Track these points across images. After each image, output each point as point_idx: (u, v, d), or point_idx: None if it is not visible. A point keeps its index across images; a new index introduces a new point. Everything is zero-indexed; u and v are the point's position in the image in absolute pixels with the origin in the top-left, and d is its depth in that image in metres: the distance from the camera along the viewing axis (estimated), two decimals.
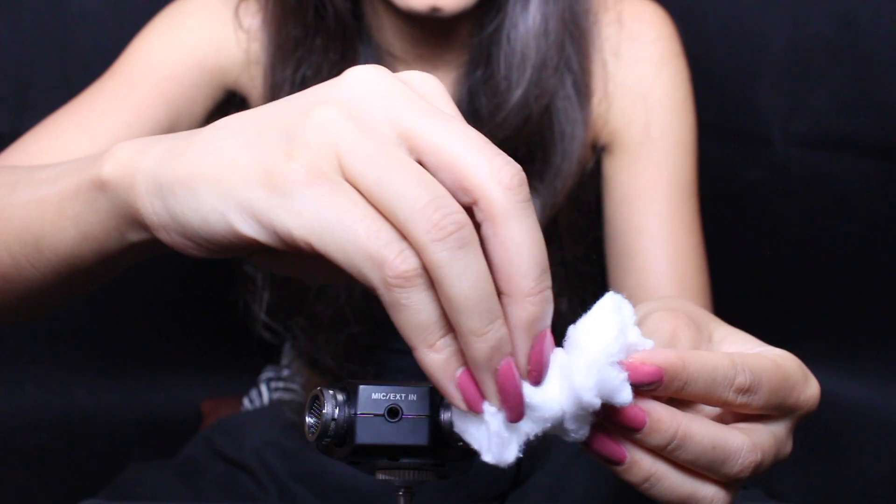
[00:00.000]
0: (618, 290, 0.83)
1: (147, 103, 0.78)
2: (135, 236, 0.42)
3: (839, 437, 1.17)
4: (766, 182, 1.13)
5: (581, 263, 0.88)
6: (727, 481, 0.42)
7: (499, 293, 0.35)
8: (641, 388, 0.38)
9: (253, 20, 0.82)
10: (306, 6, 0.78)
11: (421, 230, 0.33)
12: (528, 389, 0.36)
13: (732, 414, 0.43)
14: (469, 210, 0.35)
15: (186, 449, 0.91)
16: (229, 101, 0.84)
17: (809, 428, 1.26)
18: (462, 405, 0.36)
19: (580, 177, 0.84)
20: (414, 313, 0.34)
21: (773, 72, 1.09)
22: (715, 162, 1.07)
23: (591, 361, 0.36)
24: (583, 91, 0.82)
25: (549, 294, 0.35)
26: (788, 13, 1.07)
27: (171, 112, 0.79)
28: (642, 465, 0.40)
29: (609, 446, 0.39)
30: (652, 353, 0.39)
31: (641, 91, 0.83)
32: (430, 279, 0.34)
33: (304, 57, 0.80)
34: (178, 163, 0.38)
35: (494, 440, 0.36)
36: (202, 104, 0.81)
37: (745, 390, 0.40)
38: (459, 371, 0.35)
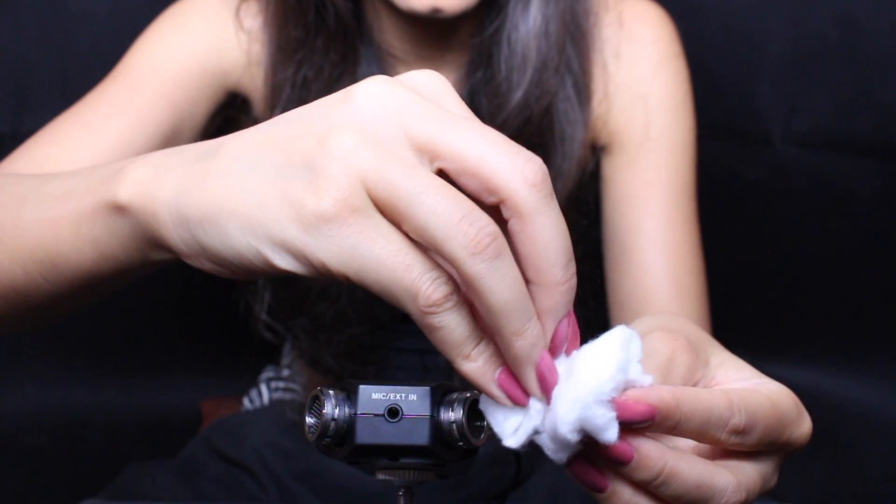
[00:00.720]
0: (615, 290, 0.84)
1: (150, 107, 0.78)
2: (158, 256, 0.43)
3: (839, 437, 1.16)
4: (766, 182, 1.13)
5: (581, 264, 0.87)
6: None
7: (526, 281, 0.36)
8: (632, 426, 0.38)
9: (254, 21, 0.82)
10: (307, 7, 0.79)
11: (458, 246, 0.34)
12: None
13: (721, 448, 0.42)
14: (495, 206, 0.36)
15: (186, 449, 0.91)
16: (230, 103, 0.84)
17: None
18: (507, 402, 0.37)
19: (580, 177, 0.84)
20: (448, 332, 0.35)
21: (773, 72, 1.09)
22: (715, 162, 1.07)
23: (577, 397, 0.36)
24: (583, 92, 0.82)
25: (574, 281, 0.37)
26: (788, 13, 1.07)
27: (174, 115, 0.79)
28: (622, 496, 0.39)
29: (591, 474, 0.39)
30: (647, 391, 0.38)
31: (641, 92, 0.83)
32: (462, 296, 0.35)
33: (305, 58, 0.80)
34: (200, 196, 0.38)
35: (547, 427, 0.37)
36: (204, 106, 0.82)
37: (739, 431, 0.40)
38: (498, 372, 0.37)
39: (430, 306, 0.35)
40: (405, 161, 0.35)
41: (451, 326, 0.35)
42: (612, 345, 0.38)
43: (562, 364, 0.37)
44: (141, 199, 0.40)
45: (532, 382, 0.37)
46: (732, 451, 0.42)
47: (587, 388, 0.37)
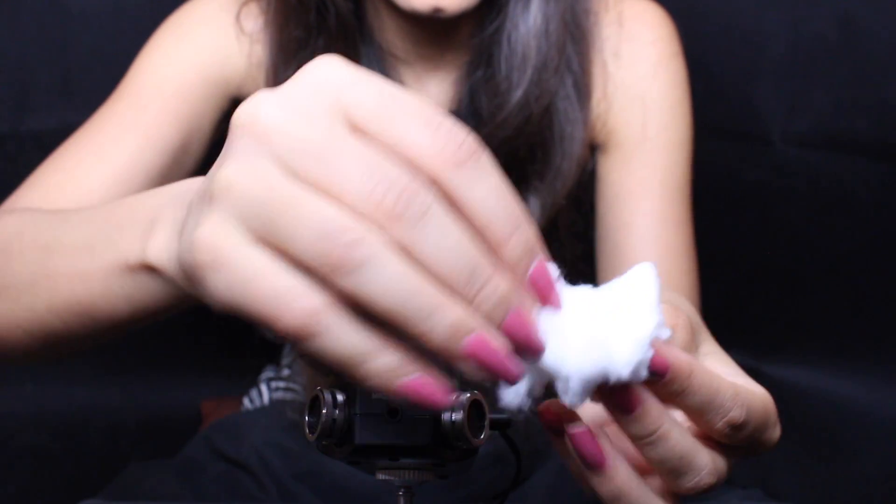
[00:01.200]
0: None
1: (158, 124, 0.78)
2: (196, 301, 0.43)
3: (839, 437, 1.16)
4: (766, 182, 1.13)
5: (581, 262, 0.88)
6: (676, 493, 0.42)
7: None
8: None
9: (255, 23, 0.82)
10: (308, 7, 0.79)
11: (380, 216, 0.32)
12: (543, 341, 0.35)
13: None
14: None
15: (186, 449, 0.91)
16: (234, 108, 0.84)
17: (809, 428, 1.27)
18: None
19: (580, 177, 0.84)
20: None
21: (773, 72, 1.09)
22: (715, 162, 1.07)
23: (641, 337, 0.35)
24: (583, 91, 0.82)
25: (523, 230, 0.34)
26: (788, 13, 1.07)
27: (182, 130, 0.79)
28: (619, 474, 0.40)
29: (594, 447, 0.39)
30: (670, 347, 0.38)
31: (639, 91, 0.83)
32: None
33: (306, 58, 0.80)
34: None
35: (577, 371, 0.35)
36: (210, 117, 0.82)
37: (734, 426, 0.40)
38: (413, 376, 0.33)
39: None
40: (330, 128, 0.34)
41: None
42: (649, 280, 0.37)
43: (552, 314, 0.35)
44: (172, 264, 0.40)
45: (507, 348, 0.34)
46: (712, 438, 0.42)
47: (647, 326, 0.36)
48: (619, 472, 0.40)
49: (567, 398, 0.36)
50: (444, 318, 0.32)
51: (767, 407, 0.42)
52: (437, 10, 0.73)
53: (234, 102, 0.84)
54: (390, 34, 0.82)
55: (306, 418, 0.40)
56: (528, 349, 0.34)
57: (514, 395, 0.36)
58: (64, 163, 0.77)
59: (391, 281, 0.32)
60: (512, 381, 0.34)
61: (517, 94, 0.79)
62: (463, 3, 0.73)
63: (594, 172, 0.87)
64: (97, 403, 1.19)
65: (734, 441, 0.41)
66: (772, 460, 1.09)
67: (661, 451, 0.39)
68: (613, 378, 0.36)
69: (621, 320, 0.36)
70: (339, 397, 0.40)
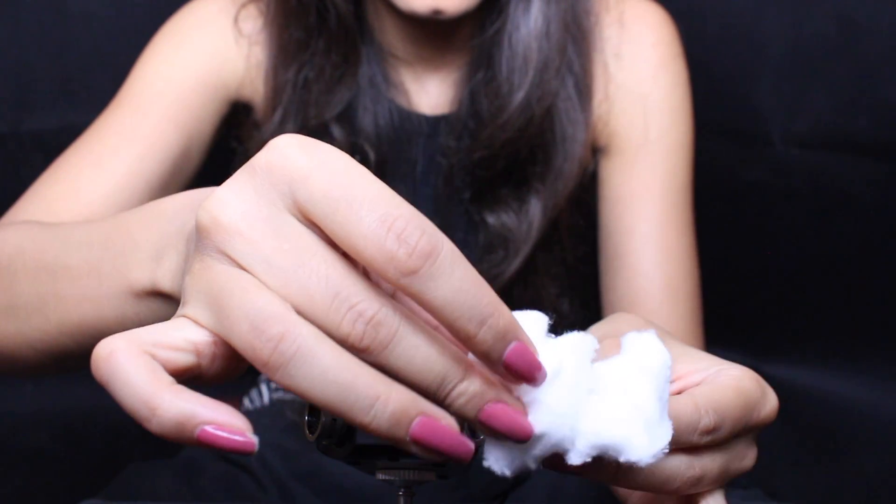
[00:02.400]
0: (608, 291, 0.84)
1: (159, 132, 0.78)
2: None
3: (839, 437, 1.16)
4: (766, 182, 1.13)
5: (582, 265, 0.88)
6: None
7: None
8: None
9: (254, 24, 0.82)
10: (308, 8, 0.78)
11: (341, 329, 0.32)
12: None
13: None
14: None
15: (186, 449, 0.91)
16: (235, 111, 0.84)
17: (809, 428, 1.27)
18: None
19: (581, 178, 0.84)
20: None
21: (773, 72, 1.09)
22: (715, 162, 1.07)
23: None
24: (584, 92, 0.82)
25: (494, 317, 0.33)
26: (788, 13, 1.07)
27: (182, 136, 0.79)
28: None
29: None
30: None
31: (641, 93, 0.83)
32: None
33: (306, 59, 0.80)
34: None
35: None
36: (210, 122, 0.82)
37: (710, 431, 0.41)
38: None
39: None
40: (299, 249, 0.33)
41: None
42: (653, 356, 0.39)
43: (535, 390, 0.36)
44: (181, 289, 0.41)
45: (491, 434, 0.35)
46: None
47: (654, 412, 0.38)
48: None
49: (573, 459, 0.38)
50: (386, 407, 0.32)
51: (743, 391, 0.43)
52: (436, 12, 0.73)
53: (234, 105, 0.84)
54: (390, 35, 0.82)
55: (306, 418, 0.40)
56: (513, 437, 0.35)
57: (494, 461, 0.37)
58: (65, 173, 0.76)
59: (324, 374, 0.31)
60: (464, 460, 0.34)
61: (518, 96, 0.79)
62: (462, 5, 0.73)
63: (595, 175, 0.87)
64: (97, 403, 1.18)
65: (722, 440, 0.42)
66: (772, 460, 1.09)
67: (633, 480, 0.40)
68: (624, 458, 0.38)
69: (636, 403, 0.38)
70: None
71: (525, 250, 0.82)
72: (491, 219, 0.82)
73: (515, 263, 0.82)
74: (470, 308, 0.32)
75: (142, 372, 0.32)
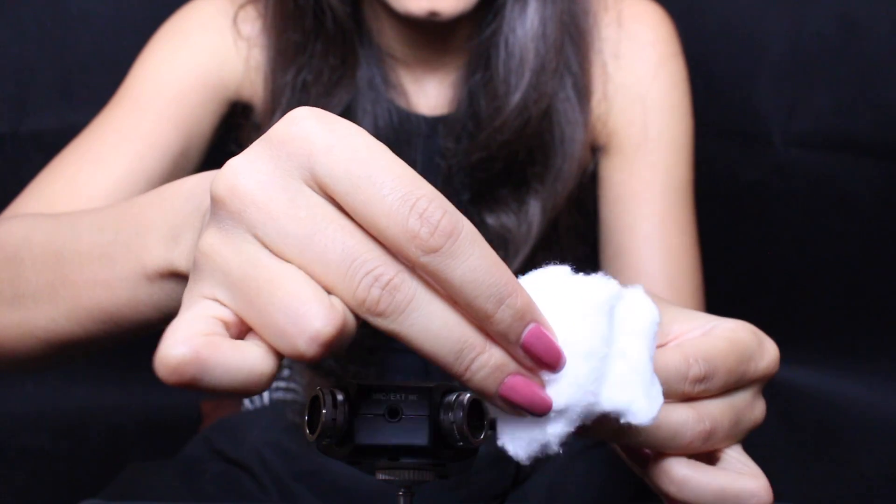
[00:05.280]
0: None
1: (158, 130, 0.78)
2: None
3: (839, 437, 1.17)
4: (766, 182, 1.13)
5: (583, 265, 0.88)
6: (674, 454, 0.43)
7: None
8: None
9: (252, 27, 0.82)
10: (305, 11, 0.78)
11: (354, 303, 0.32)
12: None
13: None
14: None
15: (186, 449, 0.91)
16: (234, 112, 0.84)
17: (809, 428, 1.26)
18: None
19: (580, 178, 0.84)
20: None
21: (773, 72, 1.09)
22: (715, 162, 1.07)
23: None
24: (583, 92, 0.82)
25: (512, 298, 0.33)
26: (788, 13, 1.07)
27: (182, 135, 0.79)
28: None
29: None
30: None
31: (640, 92, 0.83)
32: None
33: (304, 62, 0.80)
34: None
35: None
36: (209, 121, 0.82)
37: (700, 380, 0.41)
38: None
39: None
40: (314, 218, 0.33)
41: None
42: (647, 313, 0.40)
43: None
44: None
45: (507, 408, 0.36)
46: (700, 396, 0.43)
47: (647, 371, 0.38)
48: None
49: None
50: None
51: (736, 342, 0.43)
52: (433, 14, 0.73)
53: (233, 106, 0.84)
54: (388, 37, 0.82)
55: (306, 418, 0.40)
56: (532, 411, 0.35)
57: (509, 441, 0.37)
58: (64, 170, 0.76)
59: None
60: (542, 413, 0.35)
61: (515, 98, 0.79)
62: (459, 7, 0.73)
63: (595, 174, 0.86)
64: (97, 403, 1.19)
65: (717, 390, 0.42)
66: (772, 460, 1.09)
67: (636, 438, 0.40)
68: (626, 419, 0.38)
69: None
70: (339, 397, 0.40)
71: (525, 251, 0.82)
72: (490, 220, 0.82)
73: (515, 264, 0.82)
74: (489, 287, 0.33)
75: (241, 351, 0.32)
